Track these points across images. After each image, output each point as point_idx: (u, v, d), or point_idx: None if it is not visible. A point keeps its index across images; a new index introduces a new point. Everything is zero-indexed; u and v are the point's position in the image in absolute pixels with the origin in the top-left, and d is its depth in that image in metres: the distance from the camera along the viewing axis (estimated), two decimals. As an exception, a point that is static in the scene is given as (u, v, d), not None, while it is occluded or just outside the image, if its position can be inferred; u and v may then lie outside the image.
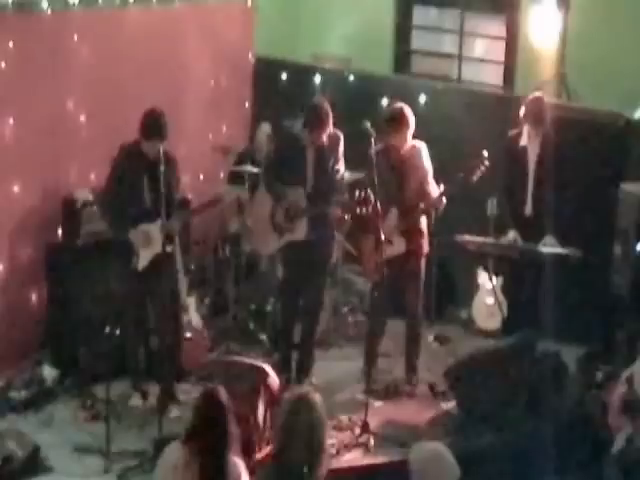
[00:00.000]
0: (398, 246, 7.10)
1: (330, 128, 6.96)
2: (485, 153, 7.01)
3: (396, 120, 7.02)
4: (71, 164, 7.44)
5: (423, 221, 7.21)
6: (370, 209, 6.70)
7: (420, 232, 7.19)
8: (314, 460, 4.38)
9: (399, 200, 7.07)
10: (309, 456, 4.37)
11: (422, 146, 7.17)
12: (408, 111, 7.04)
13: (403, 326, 7.38)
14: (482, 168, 7.00)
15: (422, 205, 7.08)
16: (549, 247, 7.23)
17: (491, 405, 6.66)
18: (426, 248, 7.26)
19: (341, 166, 7.10)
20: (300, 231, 7.07)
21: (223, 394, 4.75)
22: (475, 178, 7.03)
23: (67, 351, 7.19)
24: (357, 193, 6.74)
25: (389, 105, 7.22)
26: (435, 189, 7.11)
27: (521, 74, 8.89)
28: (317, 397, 4.49)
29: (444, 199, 7.02)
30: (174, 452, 4.72)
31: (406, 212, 7.09)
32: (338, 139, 7.06)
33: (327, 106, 6.95)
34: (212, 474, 4.59)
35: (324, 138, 6.96)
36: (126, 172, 6.72)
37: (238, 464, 4.66)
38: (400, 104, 7.11)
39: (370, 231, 6.95)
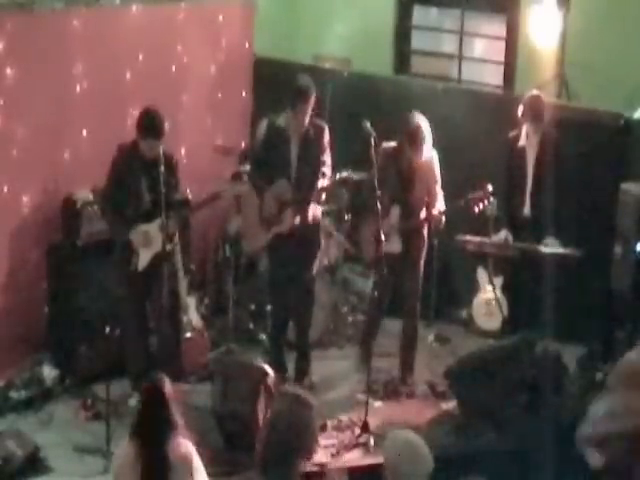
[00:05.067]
0: (394, 245, 7.08)
1: (313, 101, 6.91)
2: (490, 187, 7.04)
3: (414, 137, 6.95)
4: (71, 164, 7.43)
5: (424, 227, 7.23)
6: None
7: (420, 235, 7.19)
8: (294, 459, 4.25)
9: (403, 201, 7.09)
10: (288, 455, 4.25)
11: (434, 155, 7.15)
12: (426, 126, 6.97)
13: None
14: (486, 202, 7.05)
15: (425, 215, 7.14)
16: (550, 247, 7.25)
17: (491, 405, 6.67)
18: (424, 252, 7.25)
19: (327, 157, 7.07)
20: (286, 223, 7.01)
21: (166, 384, 4.74)
22: (477, 210, 7.07)
23: (67, 351, 7.19)
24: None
25: (408, 116, 7.04)
26: (441, 200, 7.14)
27: (521, 74, 8.89)
28: (306, 398, 4.39)
29: (443, 219, 7.07)
30: (122, 450, 4.76)
31: (408, 214, 7.11)
32: (322, 129, 7.04)
33: (311, 85, 6.94)
34: (154, 465, 4.61)
35: (307, 119, 6.93)
36: (124, 172, 6.73)
37: (183, 444, 4.66)
38: (418, 120, 6.98)
39: (369, 221, 7.00)
